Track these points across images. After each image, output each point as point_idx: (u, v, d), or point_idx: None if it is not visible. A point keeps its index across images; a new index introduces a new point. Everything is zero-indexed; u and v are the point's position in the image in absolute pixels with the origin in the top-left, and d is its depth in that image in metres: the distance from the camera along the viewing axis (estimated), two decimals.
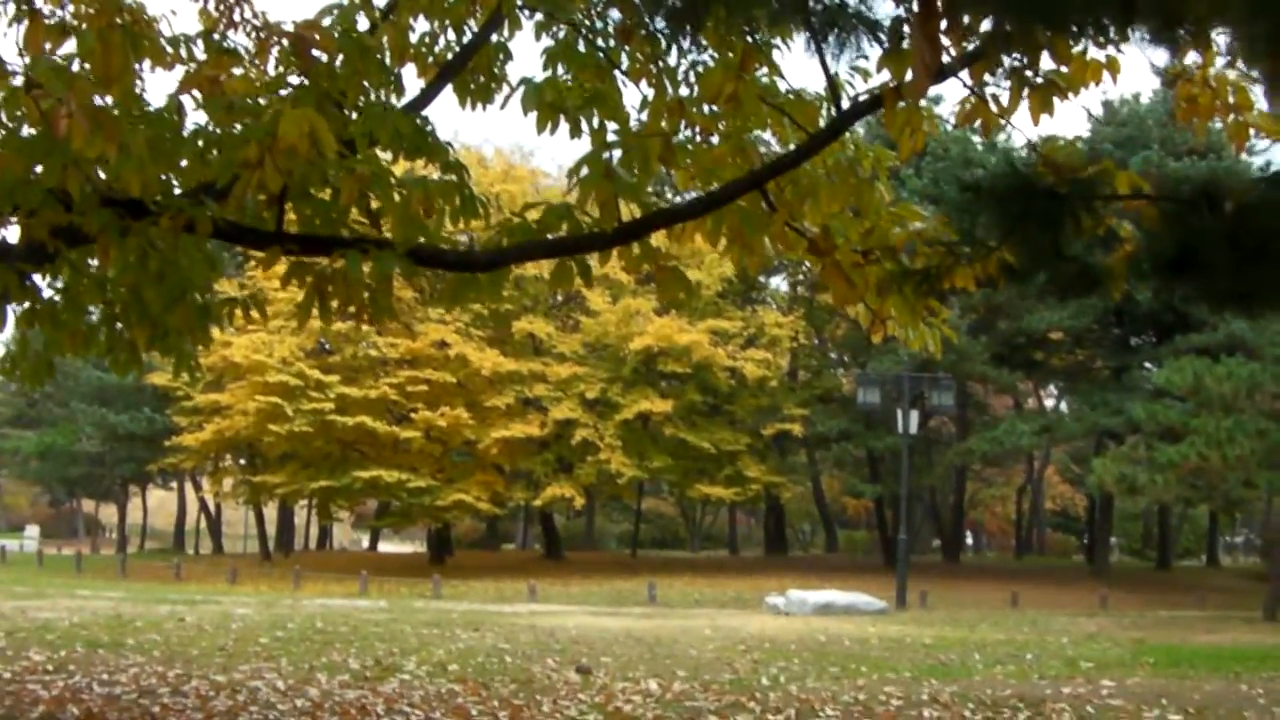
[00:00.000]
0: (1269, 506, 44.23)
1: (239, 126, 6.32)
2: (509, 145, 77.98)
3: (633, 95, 13.98)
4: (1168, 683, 14.87)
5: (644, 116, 7.36)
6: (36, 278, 7.49)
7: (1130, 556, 66.94)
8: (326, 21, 6.68)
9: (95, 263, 7.34)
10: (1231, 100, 7.00)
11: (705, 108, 7.22)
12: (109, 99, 6.10)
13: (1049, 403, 60.72)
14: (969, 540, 75.55)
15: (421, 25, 8.51)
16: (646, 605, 31.93)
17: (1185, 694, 13.63)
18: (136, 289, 7.24)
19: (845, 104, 6.83)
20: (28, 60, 6.03)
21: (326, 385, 44.11)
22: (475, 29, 8.52)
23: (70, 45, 6.28)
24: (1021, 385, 54.92)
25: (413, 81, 8.36)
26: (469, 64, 8.46)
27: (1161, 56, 5.23)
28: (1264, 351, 29.88)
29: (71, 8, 7.29)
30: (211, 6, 9.14)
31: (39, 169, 6.02)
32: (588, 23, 7.86)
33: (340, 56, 6.59)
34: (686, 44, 6.80)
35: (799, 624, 24.14)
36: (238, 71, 6.97)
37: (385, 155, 7.09)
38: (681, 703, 12.01)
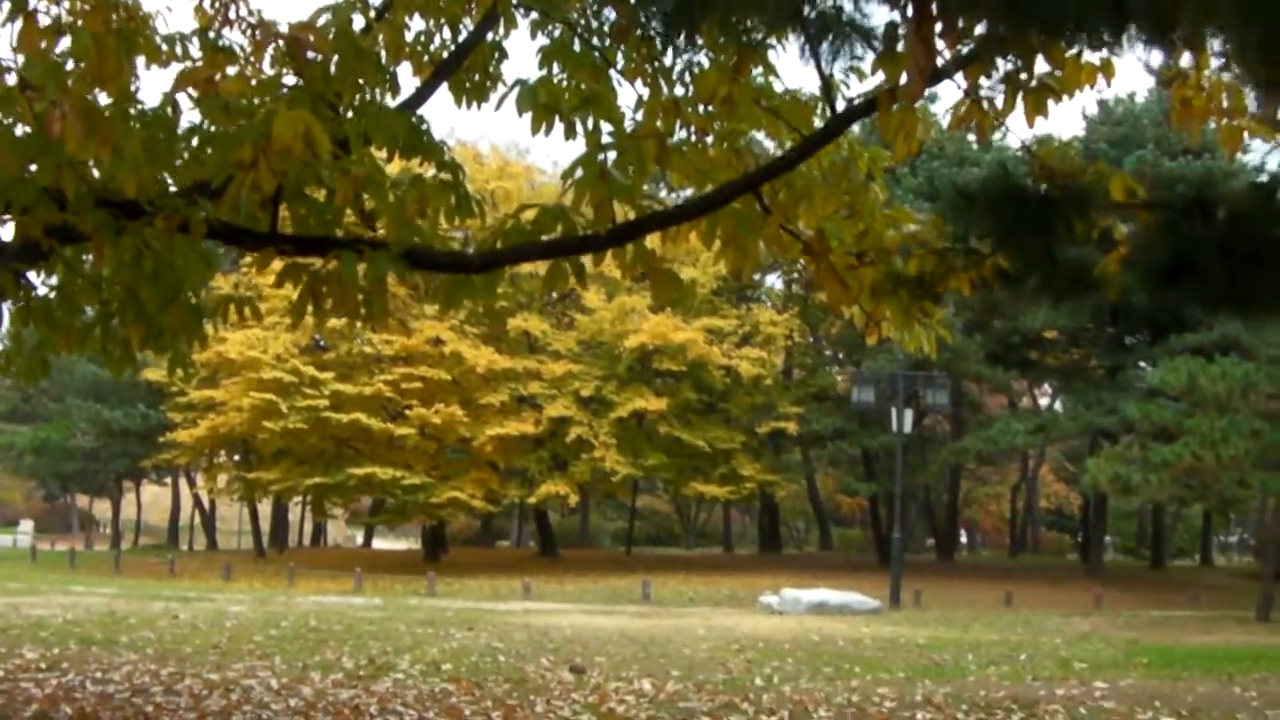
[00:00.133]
0: (1263, 506, 44.17)
1: (235, 127, 6.31)
2: (505, 142, 78.01)
3: (628, 94, 13.98)
4: (1161, 684, 14.89)
5: (639, 116, 7.36)
6: (31, 275, 7.48)
7: (1124, 555, 66.98)
8: (322, 21, 6.66)
9: (90, 258, 7.34)
10: (1225, 104, 7.00)
11: (700, 107, 7.22)
12: (104, 96, 6.10)
13: (1043, 401, 60.80)
14: (963, 539, 75.63)
15: (417, 24, 8.51)
16: (641, 603, 31.95)
17: (1178, 696, 13.64)
18: (131, 288, 7.23)
19: (840, 105, 6.82)
20: (22, 60, 6.02)
21: (321, 382, 44.15)
22: (470, 28, 8.52)
23: (65, 44, 6.27)
24: (1016, 384, 54.97)
25: (408, 80, 8.37)
26: (464, 62, 8.46)
27: (1156, 57, 5.22)
28: (1258, 351, 29.88)
29: (67, 4, 7.28)
30: (207, 4, 9.14)
31: (33, 167, 6.01)
32: (583, 22, 7.85)
33: (335, 58, 6.58)
34: (681, 43, 6.79)
35: (793, 623, 24.15)
36: (233, 70, 6.96)
37: (380, 154, 7.09)
38: (675, 703, 12.02)
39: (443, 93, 8.48)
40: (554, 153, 68.41)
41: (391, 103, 7.50)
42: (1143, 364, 45.31)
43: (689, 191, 7.81)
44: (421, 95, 8.31)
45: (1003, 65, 6.04)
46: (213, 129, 6.42)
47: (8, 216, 6.64)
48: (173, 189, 6.75)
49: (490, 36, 8.49)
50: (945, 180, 39.13)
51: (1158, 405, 34.11)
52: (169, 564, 45.00)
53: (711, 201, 7.02)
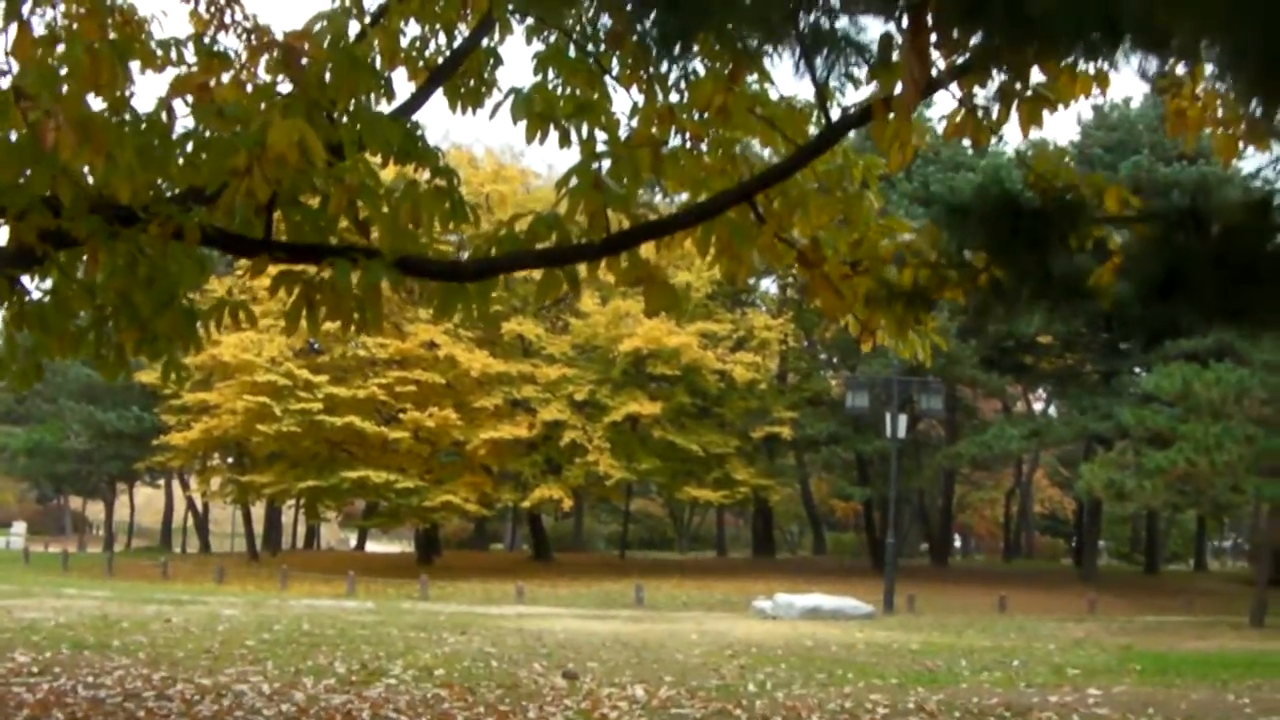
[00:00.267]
0: (1257, 512, 44.28)
1: (230, 133, 6.30)
2: (499, 145, 78.13)
3: (623, 101, 13.98)
4: (1154, 691, 14.88)
5: (634, 123, 7.36)
6: (25, 279, 7.46)
7: (1118, 560, 67.02)
8: (317, 28, 6.65)
9: (85, 260, 7.32)
10: (1220, 114, 7.01)
11: (696, 114, 7.22)
12: (98, 101, 6.09)
13: (1038, 407, 60.79)
14: (957, 543, 75.60)
15: (412, 29, 8.51)
16: (634, 608, 31.91)
17: (1172, 703, 13.64)
18: (125, 293, 7.22)
19: (835, 113, 6.82)
20: (16, 68, 6.01)
21: (315, 385, 44.06)
22: (466, 33, 8.53)
23: (60, 49, 6.25)
24: (1011, 389, 55.01)
25: (403, 85, 8.37)
26: (459, 68, 8.47)
27: (1152, 64, 5.21)
28: (1253, 357, 29.89)
29: (63, 6, 7.27)
30: (202, 9, 9.14)
31: (28, 172, 6.00)
32: (578, 28, 7.86)
33: (330, 65, 6.57)
34: (677, 51, 6.79)
35: (786, 628, 24.14)
36: (227, 76, 6.95)
37: (375, 160, 7.08)
38: (668, 709, 12.01)
39: (438, 97, 8.49)
40: (549, 156, 68.48)
41: (386, 108, 7.50)
42: (1137, 369, 45.33)
43: (684, 196, 7.81)
44: (416, 100, 8.32)
45: (998, 76, 6.04)
46: (208, 134, 6.41)
47: (2, 221, 6.62)
48: (167, 192, 6.75)
49: (485, 42, 8.51)
50: (940, 186, 39.20)
51: (1152, 411, 34.13)
52: (162, 566, 44.88)
53: (706, 210, 7.02)
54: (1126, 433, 35.94)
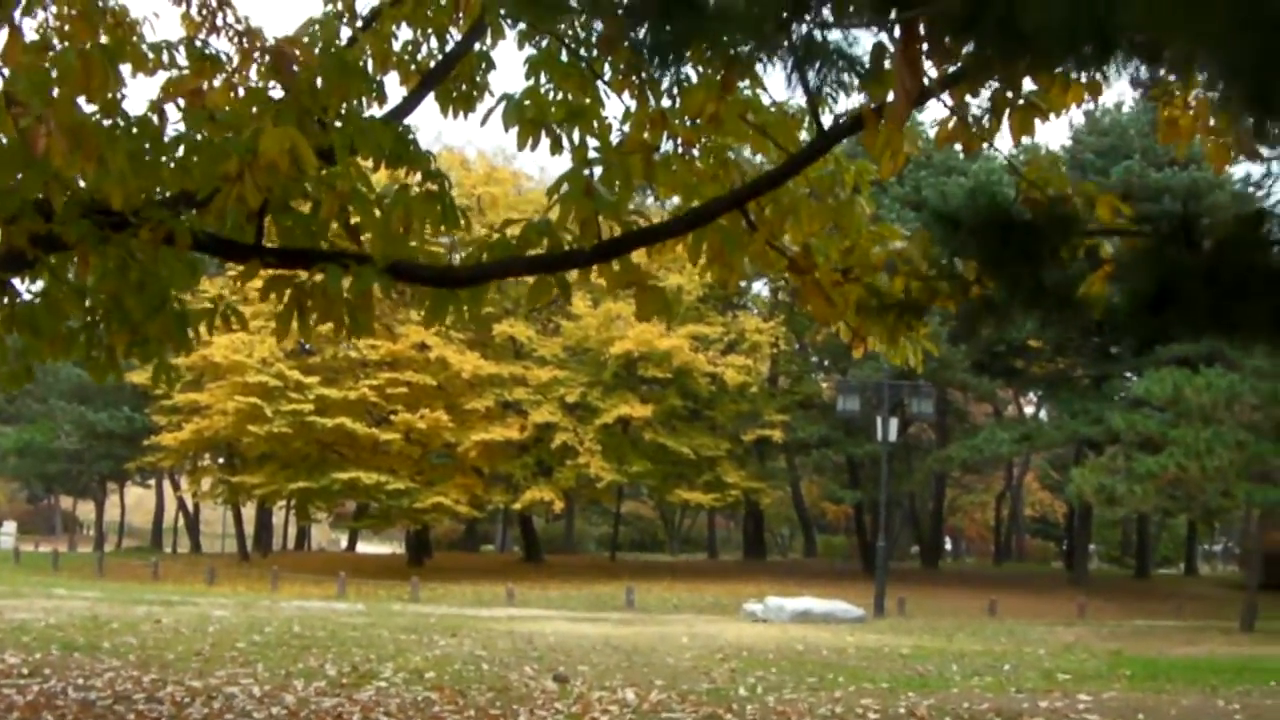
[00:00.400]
0: (1247, 516, 44.28)
1: (221, 137, 6.30)
2: (491, 148, 77.82)
3: (615, 106, 13.98)
4: (1144, 696, 14.89)
5: (626, 128, 7.36)
6: (16, 282, 7.45)
7: (1109, 564, 67.03)
8: (309, 34, 6.65)
9: (76, 263, 7.31)
10: (1212, 123, 7.02)
11: (688, 120, 7.22)
12: (89, 105, 6.08)
13: (1029, 410, 60.87)
14: (948, 546, 75.65)
15: (404, 33, 8.52)
16: (625, 610, 31.91)
17: (1162, 709, 13.65)
18: (116, 296, 7.21)
19: (827, 121, 6.82)
20: (7, 74, 6.00)
21: (306, 386, 44.05)
22: (458, 37, 8.53)
23: (51, 55, 6.24)
24: (1001, 393, 55.04)
25: (395, 89, 8.36)
26: (451, 72, 8.47)
27: (1144, 73, 5.21)
28: (1243, 363, 29.93)
29: (54, 9, 7.26)
30: (194, 11, 9.13)
31: (19, 177, 5.99)
32: (570, 33, 7.85)
33: (321, 71, 6.56)
34: (670, 59, 6.78)
35: (776, 632, 24.14)
36: (219, 80, 6.95)
37: (367, 164, 7.07)
38: (659, 713, 12.00)
39: (430, 102, 8.49)
40: (541, 159, 68.44)
41: (378, 112, 7.50)
42: (1128, 374, 45.40)
43: (675, 201, 7.81)
44: (408, 104, 8.32)
45: (990, 86, 6.04)
46: (199, 137, 6.40)
47: None
48: (159, 198, 6.73)
49: (477, 46, 8.50)
50: (932, 191, 39.19)
51: (1143, 415, 34.18)
52: (152, 567, 44.83)
53: (698, 217, 7.02)
54: (1117, 437, 35.96)
